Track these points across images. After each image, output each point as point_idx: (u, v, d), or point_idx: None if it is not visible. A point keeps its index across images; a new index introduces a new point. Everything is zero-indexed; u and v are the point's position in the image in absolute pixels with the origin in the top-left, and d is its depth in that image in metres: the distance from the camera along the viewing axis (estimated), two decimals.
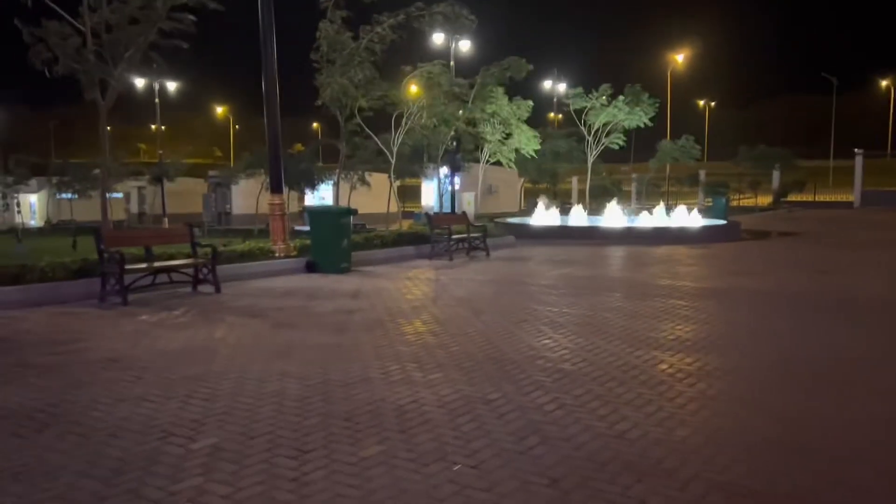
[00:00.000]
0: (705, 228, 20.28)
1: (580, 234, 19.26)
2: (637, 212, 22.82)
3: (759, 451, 4.04)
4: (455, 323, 7.77)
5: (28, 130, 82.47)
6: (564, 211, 23.10)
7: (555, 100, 42.75)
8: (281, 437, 4.24)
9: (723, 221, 23.12)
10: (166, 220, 28.78)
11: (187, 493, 3.51)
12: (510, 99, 27.42)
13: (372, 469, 3.78)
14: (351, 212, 13.07)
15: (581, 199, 30.81)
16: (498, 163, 30.06)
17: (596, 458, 3.94)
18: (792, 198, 39.99)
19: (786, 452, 4.02)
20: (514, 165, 30.15)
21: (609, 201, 23.12)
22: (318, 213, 13.14)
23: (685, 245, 17.57)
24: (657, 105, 28.33)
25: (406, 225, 19.74)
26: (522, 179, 36.79)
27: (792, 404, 4.90)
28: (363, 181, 22.27)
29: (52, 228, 29.49)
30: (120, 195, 33.57)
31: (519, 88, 27.97)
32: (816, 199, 41.93)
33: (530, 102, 28.41)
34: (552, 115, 49.21)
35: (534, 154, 29.11)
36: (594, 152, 29.35)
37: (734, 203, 36.58)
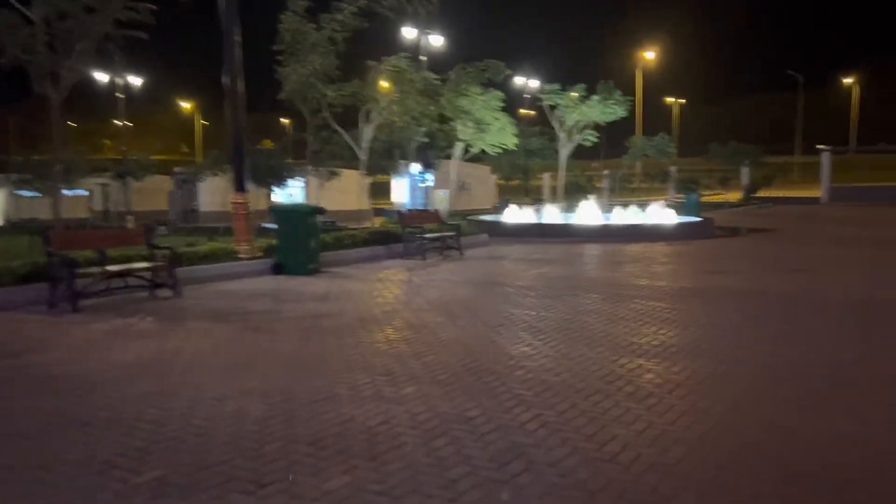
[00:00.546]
0: (679, 225, 20.10)
1: (554, 232, 18.96)
2: (610, 208, 22.58)
3: (763, 472, 3.72)
4: (429, 329, 7.37)
5: None
6: (536, 209, 22.79)
7: (525, 96, 42.43)
8: (236, 468, 3.80)
9: (697, 218, 22.99)
10: (131, 217, 27.86)
11: None
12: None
13: None
14: (319, 211, 12.57)
15: (553, 196, 30.55)
16: (476, 158, 29.60)
17: (586, 486, 3.58)
18: (761, 193, 40.29)
19: (794, 475, 3.70)
20: (498, 150, 29.73)
21: (582, 198, 22.86)
22: (285, 212, 12.61)
23: (659, 242, 17.37)
24: (630, 102, 28.18)
25: (378, 223, 19.27)
26: (495, 176, 36.41)
27: (792, 417, 4.60)
28: (334, 174, 21.75)
29: (12, 227, 28.37)
30: (85, 192, 32.50)
31: (493, 87, 27.60)
32: (784, 194, 42.32)
33: (501, 94, 28.08)
34: (523, 111, 48.93)
35: (515, 146, 28.78)
36: (568, 149, 29.10)
37: (703, 199, 36.71)
